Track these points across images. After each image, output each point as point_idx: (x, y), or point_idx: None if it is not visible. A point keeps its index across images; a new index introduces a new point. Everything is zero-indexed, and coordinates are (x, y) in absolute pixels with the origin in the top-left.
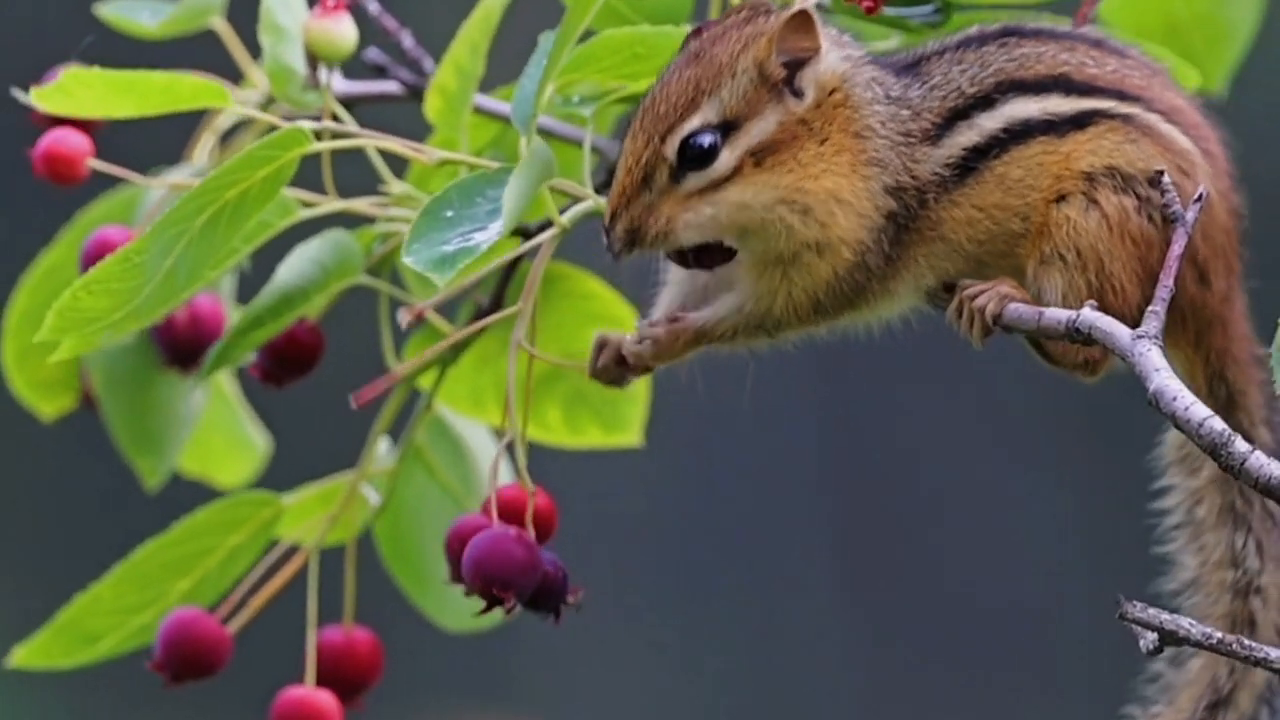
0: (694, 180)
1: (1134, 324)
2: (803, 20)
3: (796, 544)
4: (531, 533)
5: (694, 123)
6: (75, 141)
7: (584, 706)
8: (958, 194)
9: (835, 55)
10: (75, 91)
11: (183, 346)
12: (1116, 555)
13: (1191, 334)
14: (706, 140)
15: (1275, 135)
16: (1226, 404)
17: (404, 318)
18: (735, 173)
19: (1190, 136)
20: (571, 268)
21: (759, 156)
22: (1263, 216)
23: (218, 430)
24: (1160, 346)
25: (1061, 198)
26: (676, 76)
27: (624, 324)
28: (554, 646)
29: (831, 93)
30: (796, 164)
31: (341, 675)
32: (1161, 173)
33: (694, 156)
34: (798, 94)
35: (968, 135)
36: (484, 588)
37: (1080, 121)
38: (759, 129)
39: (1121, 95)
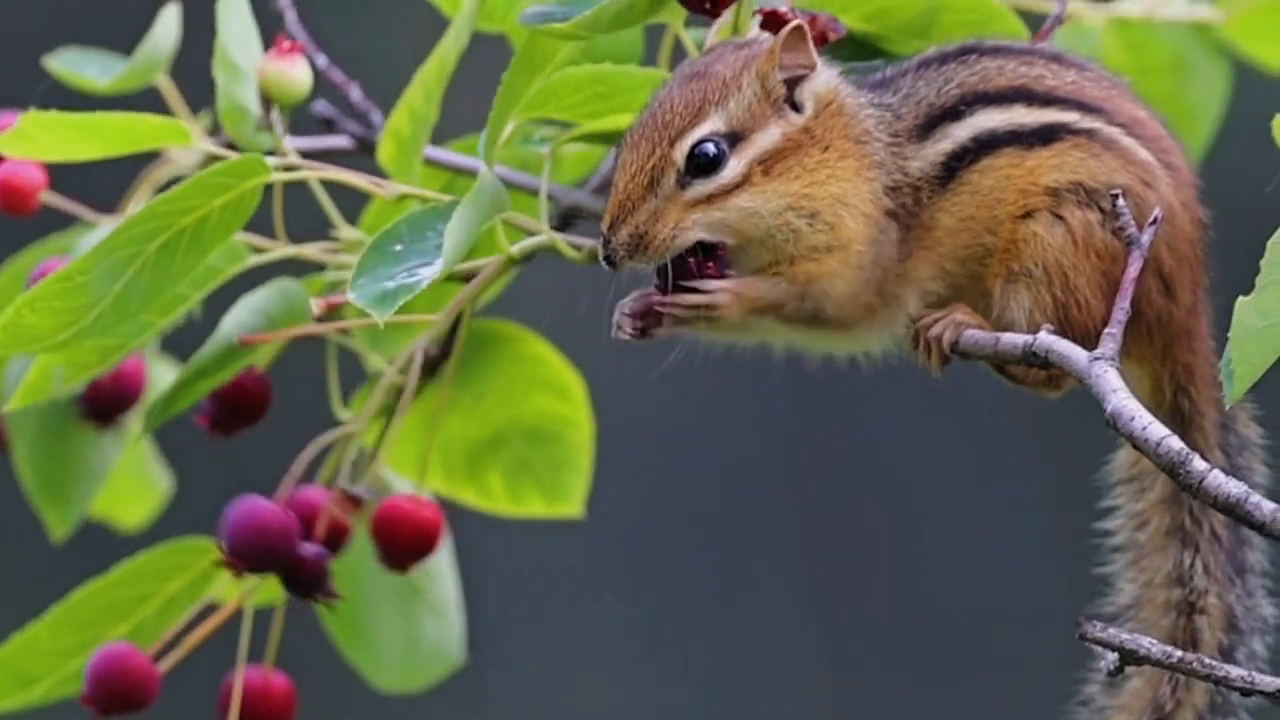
0: (700, 187)
1: (1097, 337)
2: (798, 38)
3: (764, 552)
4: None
5: (703, 130)
6: (31, 174)
7: (553, 714)
8: (944, 201)
9: (827, 71)
10: (35, 136)
11: (104, 403)
12: (1087, 565)
13: (1159, 347)
14: (714, 148)
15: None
16: (1187, 421)
17: (316, 306)
18: (744, 180)
19: (1151, 149)
20: (519, 328)
21: (767, 165)
22: (1227, 231)
23: (122, 472)
24: (1117, 368)
25: (1028, 214)
26: (678, 91)
27: (569, 390)
28: (523, 657)
29: (828, 104)
30: (803, 170)
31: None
32: (1118, 196)
33: (702, 163)
34: (797, 108)
35: (943, 144)
36: (227, 549)
37: (1045, 136)
38: (765, 139)
39: (1083, 107)
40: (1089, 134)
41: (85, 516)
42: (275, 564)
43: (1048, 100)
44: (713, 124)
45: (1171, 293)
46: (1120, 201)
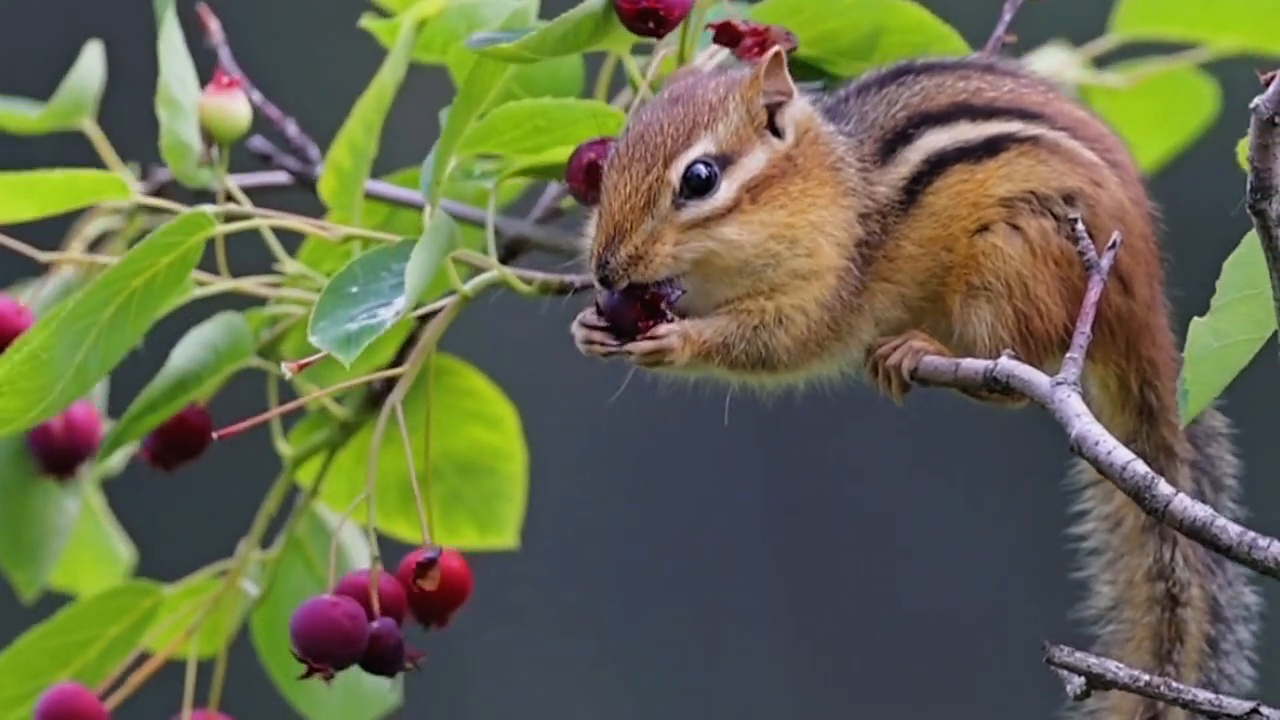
0: (695, 209)
1: (1060, 342)
2: (778, 65)
3: (740, 572)
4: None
5: (695, 152)
6: None
7: None
8: (905, 228)
9: (802, 98)
10: None
11: (58, 455)
12: (1062, 580)
13: (1122, 345)
14: (706, 170)
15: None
16: (1155, 415)
17: (287, 369)
18: (735, 206)
19: (1096, 149)
20: (455, 361)
21: (754, 192)
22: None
23: (83, 542)
24: (1079, 392)
25: (985, 227)
26: (664, 114)
27: (502, 422)
28: (504, 678)
29: (806, 131)
30: (788, 199)
31: None
32: (1076, 220)
33: (696, 185)
34: (778, 134)
35: (901, 169)
36: (303, 656)
37: (991, 148)
38: (752, 164)
39: (1024, 115)
40: (1034, 140)
41: (48, 583)
42: (356, 654)
43: (990, 113)
44: (704, 146)
45: (1130, 290)
46: (1079, 225)
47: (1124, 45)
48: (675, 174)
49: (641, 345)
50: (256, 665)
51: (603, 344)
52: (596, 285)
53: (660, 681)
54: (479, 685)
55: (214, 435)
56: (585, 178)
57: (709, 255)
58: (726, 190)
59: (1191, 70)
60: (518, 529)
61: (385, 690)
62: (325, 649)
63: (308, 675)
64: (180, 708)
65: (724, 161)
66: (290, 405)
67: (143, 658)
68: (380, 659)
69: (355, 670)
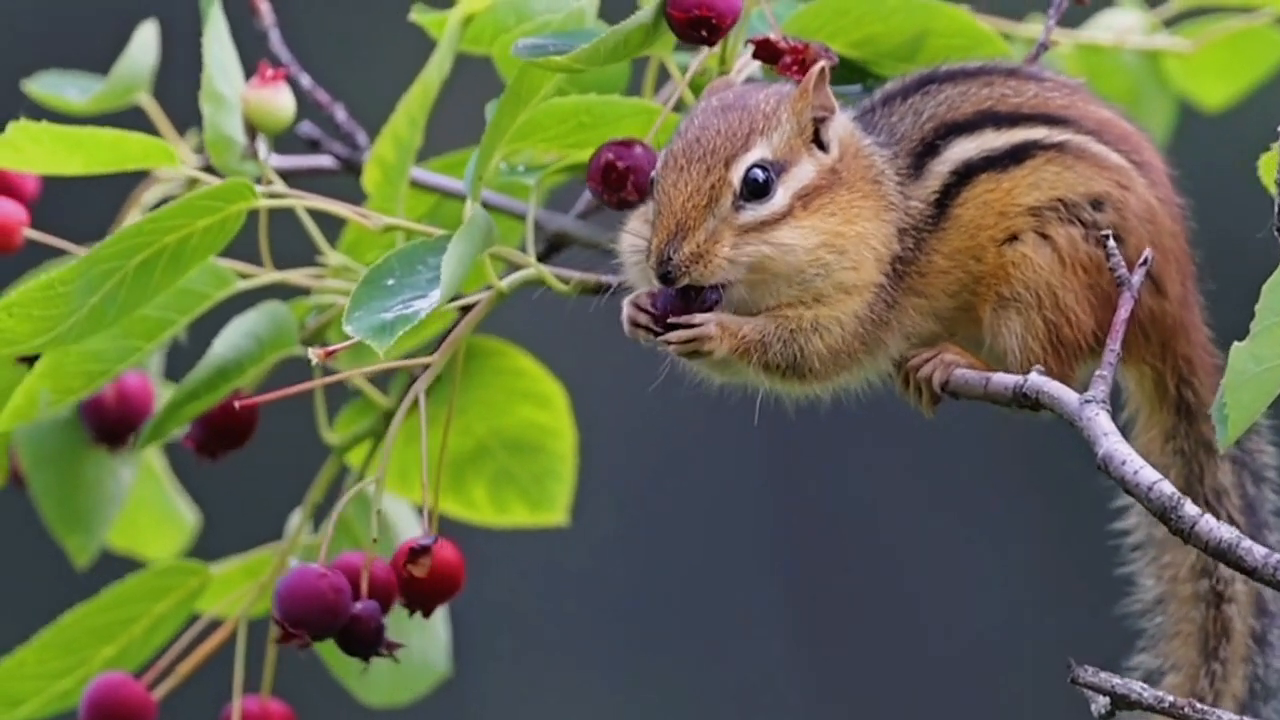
0: (753, 212)
1: (1090, 349)
2: (822, 81)
3: (747, 596)
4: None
5: (754, 155)
6: (11, 211)
7: None
8: (936, 241)
9: (843, 114)
10: (24, 146)
11: (111, 424)
12: (1070, 603)
13: (1156, 345)
14: (764, 174)
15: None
16: (1193, 413)
17: (314, 355)
18: (788, 213)
19: (1122, 150)
20: (501, 343)
21: (805, 200)
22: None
23: (145, 505)
24: (1108, 410)
25: (1013, 237)
26: (719, 120)
27: (551, 400)
28: (507, 697)
29: (848, 146)
30: (836, 209)
31: None
32: (1108, 237)
33: (754, 188)
34: (824, 148)
35: (930, 182)
36: (281, 620)
37: (1017, 156)
38: (802, 174)
39: (1049, 120)
40: (1059, 147)
41: (108, 546)
42: (334, 628)
43: (1014, 120)
44: (761, 151)
45: (1162, 290)
46: (1111, 243)
47: (1186, 10)
48: (736, 176)
49: (681, 333)
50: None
51: (648, 327)
52: (655, 282)
53: (667, 706)
54: (483, 683)
55: (236, 404)
56: (602, 178)
57: (763, 261)
58: (782, 196)
59: (1263, 25)
60: (568, 507)
61: (434, 663)
62: (304, 617)
63: (283, 640)
64: (229, 695)
65: (779, 168)
66: (317, 382)
67: (191, 645)
68: (357, 639)
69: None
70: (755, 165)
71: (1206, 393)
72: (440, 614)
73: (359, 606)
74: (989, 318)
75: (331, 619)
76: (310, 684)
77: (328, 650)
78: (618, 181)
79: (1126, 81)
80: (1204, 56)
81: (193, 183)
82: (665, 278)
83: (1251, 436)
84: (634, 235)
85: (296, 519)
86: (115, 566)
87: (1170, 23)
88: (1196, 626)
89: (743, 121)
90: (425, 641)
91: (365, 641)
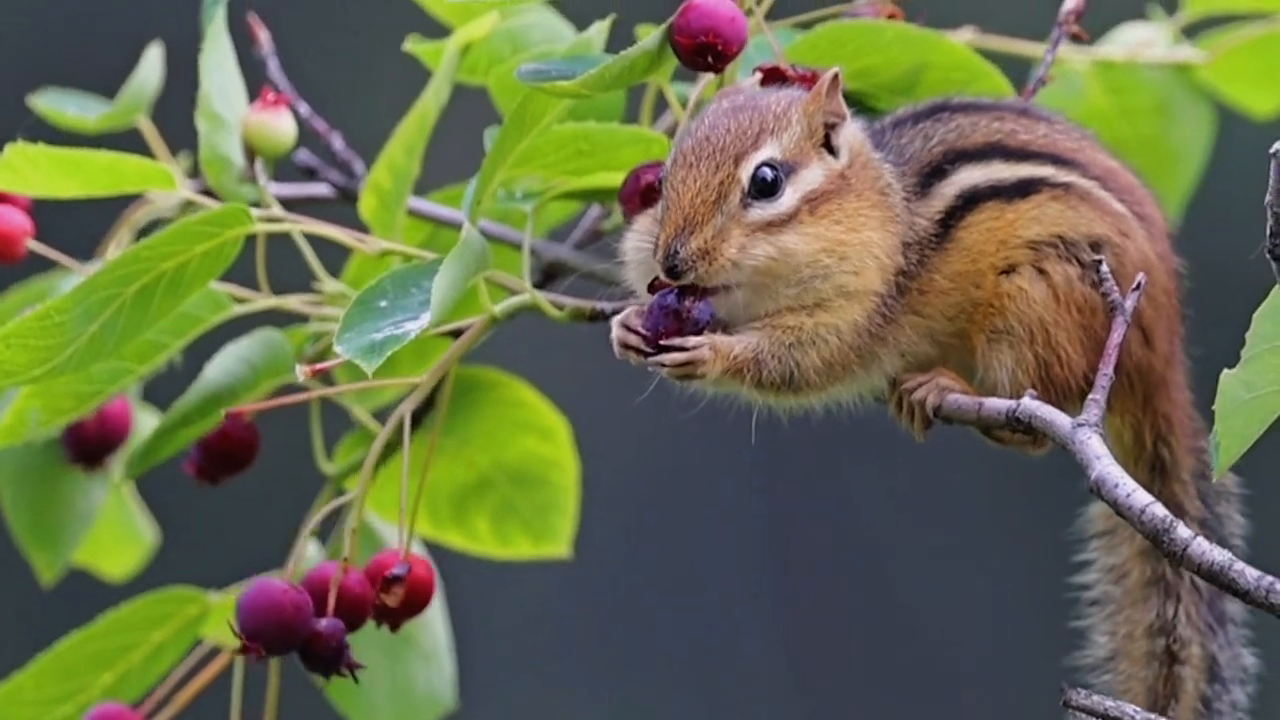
0: (760, 211)
1: (1080, 391)
2: (834, 87)
3: (744, 624)
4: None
5: (764, 154)
6: (16, 220)
7: None
8: (938, 260)
9: (854, 122)
10: (21, 169)
11: (90, 446)
12: (1064, 625)
13: (1140, 397)
14: (773, 173)
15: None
16: (1167, 471)
17: (301, 371)
18: (794, 216)
19: (1125, 201)
20: (503, 374)
21: (813, 204)
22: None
23: (107, 521)
24: (1100, 434)
25: (1011, 268)
26: (729, 119)
27: (554, 432)
28: (507, 701)
29: (858, 154)
30: (843, 214)
31: None
32: (1100, 261)
33: (763, 187)
34: (834, 153)
35: (935, 203)
36: (239, 632)
37: (1023, 189)
38: (811, 177)
39: (1057, 160)
40: (1066, 187)
41: (70, 563)
42: (292, 644)
43: (1023, 155)
44: (770, 150)
45: (1151, 343)
46: (1104, 266)
47: (1199, 20)
48: (745, 173)
49: (673, 355)
50: (303, 675)
51: (638, 349)
52: (662, 275)
53: (665, 707)
54: (484, 710)
55: (223, 414)
56: (642, 201)
57: (767, 261)
58: (790, 197)
59: None
60: (571, 539)
61: (439, 695)
62: (262, 630)
63: (241, 652)
64: None
65: (788, 169)
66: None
67: (190, 674)
68: (318, 657)
69: (407, 676)
70: (764, 164)
71: (1182, 453)
72: (446, 646)
73: (322, 624)
74: (982, 349)
75: (288, 634)
76: (312, 715)
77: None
78: (657, 201)
79: (1151, 96)
80: (1235, 63)
81: (188, 205)
82: (671, 272)
83: (1221, 501)
84: (640, 234)
85: (296, 547)
86: (83, 589)
87: (1187, 32)
88: (1146, 686)
89: (753, 121)
90: (430, 673)
91: (325, 659)
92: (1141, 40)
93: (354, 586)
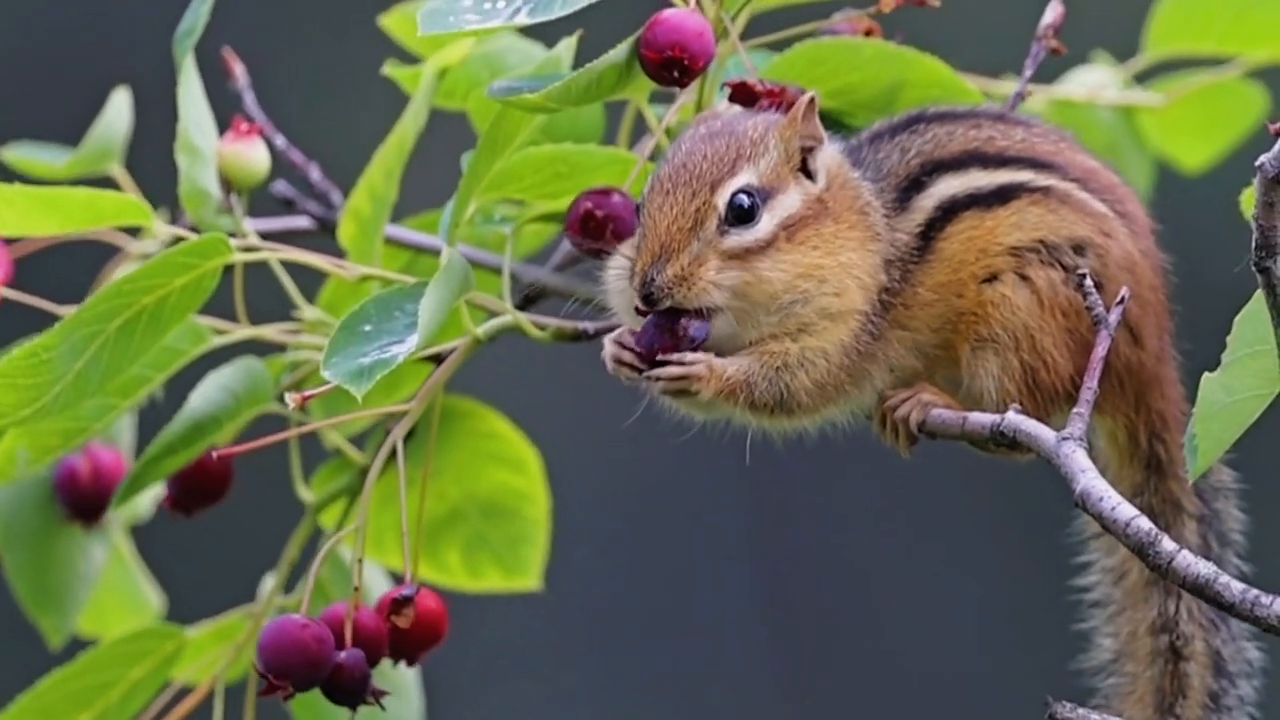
0: (737, 237)
1: (1067, 395)
2: (811, 110)
3: (725, 620)
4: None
5: (740, 181)
6: None
7: None
8: (921, 274)
9: (831, 145)
10: None
11: (86, 500)
12: (1051, 639)
13: (1131, 397)
14: (749, 199)
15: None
16: (1163, 468)
17: (290, 400)
18: (771, 242)
19: (1106, 200)
20: (476, 404)
21: (790, 231)
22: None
23: (112, 588)
24: (1085, 447)
25: (994, 276)
26: (706, 145)
27: (525, 464)
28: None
29: (835, 176)
30: (820, 240)
31: None
32: (1084, 275)
33: (740, 213)
34: (810, 177)
35: (915, 216)
36: (264, 671)
37: (1002, 196)
38: (788, 202)
39: (1035, 164)
40: (1045, 190)
41: (76, 629)
42: (318, 678)
43: (1001, 161)
44: (747, 177)
45: (1139, 342)
46: (1088, 281)
47: (1157, 64)
48: (722, 200)
49: (669, 370)
50: (279, 710)
51: (632, 366)
52: (639, 304)
53: None
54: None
55: (213, 455)
56: (581, 227)
57: (744, 287)
58: (767, 222)
59: (1235, 79)
60: (541, 572)
61: None
62: (288, 668)
63: (267, 692)
64: None
65: (764, 195)
66: (294, 431)
67: (166, 708)
68: (342, 689)
69: (373, 710)
70: (741, 190)
71: (1177, 450)
72: (413, 678)
73: (343, 656)
74: (967, 358)
75: (314, 669)
76: None
77: (303, 715)
78: (597, 230)
79: (1104, 137)
80: (1179, 113)
81: (173, 241)
82: (648, 299)
83: (1219, 498)
84: (621, 261)
85: (270, 581)
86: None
87: (1141, 77)
88: (1153, 685)
89: (730, 147)
90: (400, 709)
91: (350, 691)
92: (1099, 82)
93: (367, 622)
